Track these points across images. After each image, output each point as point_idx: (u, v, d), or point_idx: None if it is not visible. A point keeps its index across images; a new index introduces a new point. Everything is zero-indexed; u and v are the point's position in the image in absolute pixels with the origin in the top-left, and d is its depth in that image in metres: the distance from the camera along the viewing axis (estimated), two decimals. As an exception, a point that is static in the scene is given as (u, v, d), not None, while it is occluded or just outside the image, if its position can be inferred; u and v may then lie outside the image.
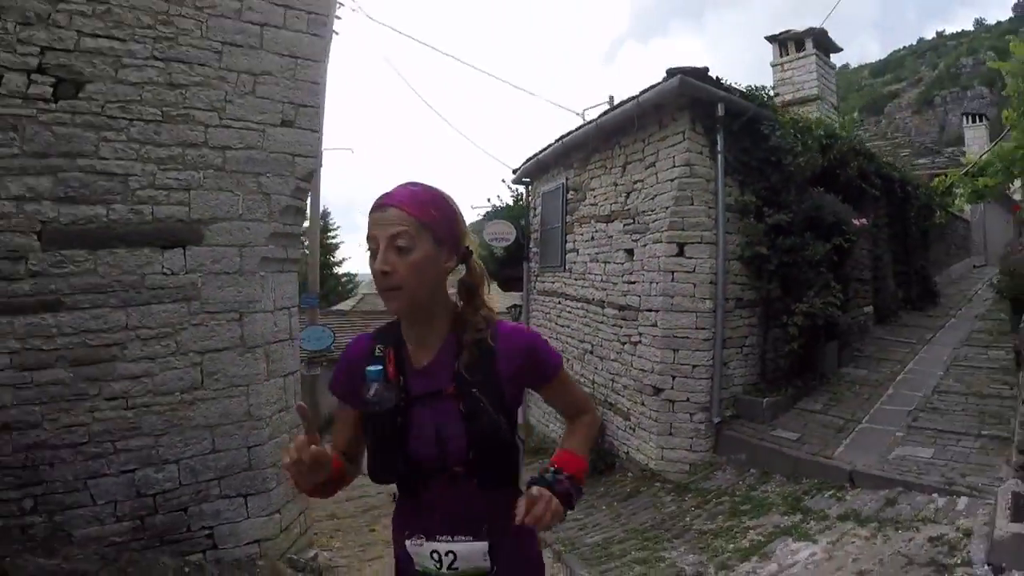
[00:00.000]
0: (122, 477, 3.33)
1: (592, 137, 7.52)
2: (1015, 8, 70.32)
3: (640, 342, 6.52)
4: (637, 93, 6.32)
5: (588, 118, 7.89)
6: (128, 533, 3.35)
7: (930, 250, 12.15)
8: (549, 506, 1.18)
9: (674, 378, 6.14)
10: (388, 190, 1.29)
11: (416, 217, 1.22)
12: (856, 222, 6.48)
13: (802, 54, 9.10)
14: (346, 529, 5.49)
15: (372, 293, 19.21)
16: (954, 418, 5.59)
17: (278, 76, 3.75)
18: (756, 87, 6.75)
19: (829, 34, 9.81)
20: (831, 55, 10.25)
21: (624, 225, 6.88)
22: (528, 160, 9.77)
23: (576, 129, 7.94)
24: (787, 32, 9.66)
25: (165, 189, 3.38)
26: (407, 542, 1.32)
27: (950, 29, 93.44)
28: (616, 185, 7.08)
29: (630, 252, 6.84)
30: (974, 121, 20.43)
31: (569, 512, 1.29)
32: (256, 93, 3.66)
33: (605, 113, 7.16)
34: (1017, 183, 12.72)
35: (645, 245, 6.44)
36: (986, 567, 2.91)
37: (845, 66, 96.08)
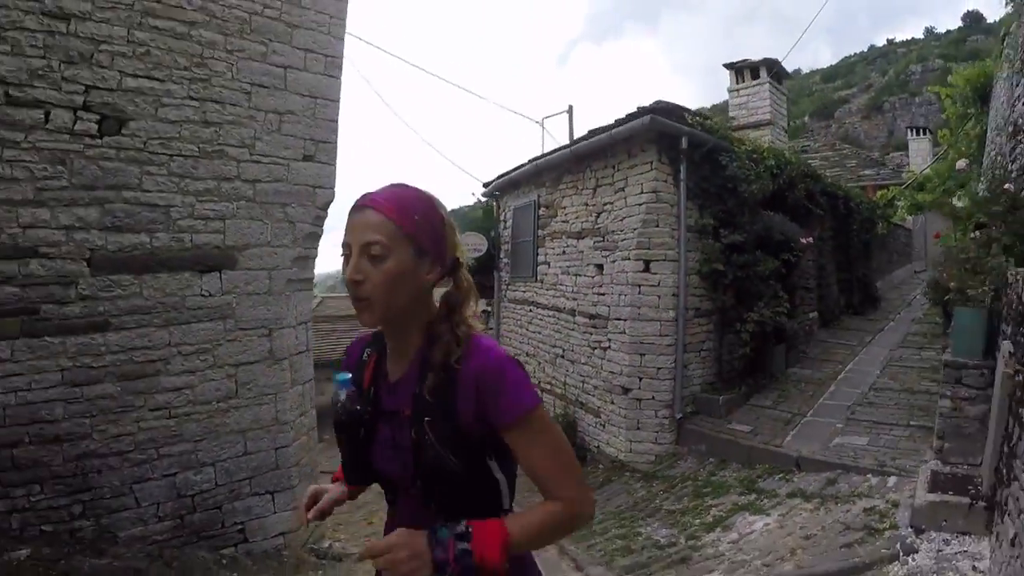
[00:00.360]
0: (164, 480, 3.74)
1: (565, 160, 8.19)
2: (964, 17, 71.52)
3: (610, 347, 7.25)
4: (610, 125, 7.08)
5: (548, 126, 8.65)
6: (169, 531, 3.76)
7: (872, 259, 13.33)
8: (398, 560, 1.03)
9: (641, 379, 6.91)
10: (370, 190, 1.20)
11: (395, 222, 1.13)
12: (803, 240, 7.44)
13: (756, 82, 10.01)
14: (346, 523, 5.90)
15: (332, 296, 19.38)
16: (887, 411, 6.48)
17: (300, 115, 4.24)
18: (709, 118, 7.59)
19: (782, 62, 10.83)
20: (782, 81, 11.30)
21: (594, 242, 7.58)
22: (500, 176, 10.42)
23: (549, 152, 8.67)
24: (744, 61, 10.53)
25: (203, 219, 3.83)
26: None
27: (900, 37, 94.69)
28: (587, 205, 7.75)
29: (600, 267, 7.53)
30: (918, 134, 21.89)
31: None
32: (281, 131, 4.14)
33: (578, 141, 7.84)
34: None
35: (614, 261, 7.17)
36: (909, 529, 3.66)
37: (797, 71, 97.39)
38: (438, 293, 1.25)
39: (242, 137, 3.98)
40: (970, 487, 3.85)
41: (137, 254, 3.65)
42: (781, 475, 5.57)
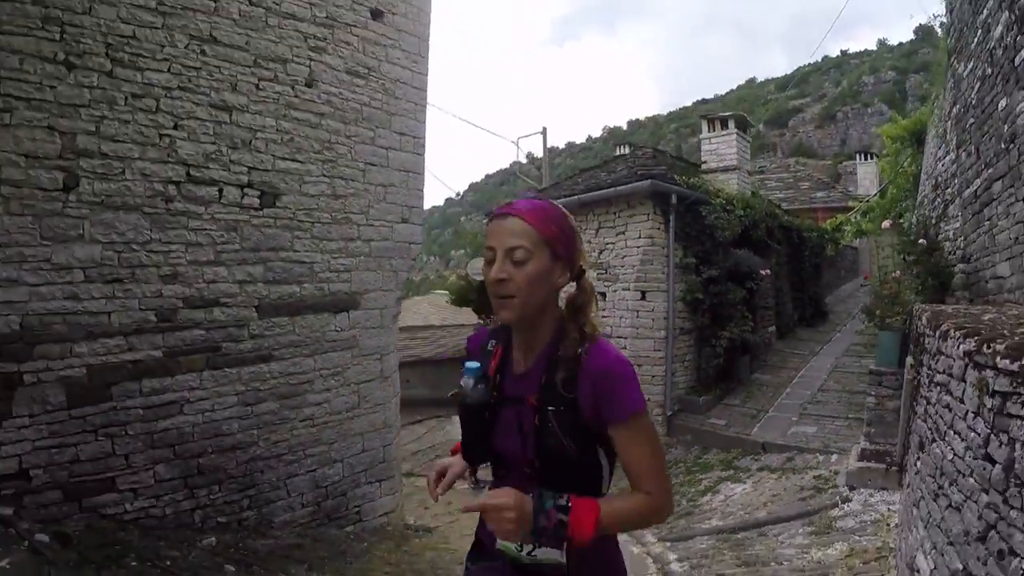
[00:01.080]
0: (307, 475, 5.00)
1: (571, 205, 10.04)
2: (916, 31, 73.12)
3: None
4: (613, 183, 8.92)
5: (522, 145, 10.34)
6: (309, 516, 5.02)
7: (822, 277, 15.49)
8: (504, 513, 1.20)
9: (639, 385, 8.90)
10: (508, 201, 1.39)
11: (536, 229, 1.30)
12: (763, 272, 9.36)
13: (725, 132, 11.78)
14: (430, 504, 7.04)
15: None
16: (831, 407, 8.37)
17: (399, 187, 5.62)
18: (694, 165, 9.41)
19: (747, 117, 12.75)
20: (747, 130, 13.19)
21: (598, 274, 9.26)
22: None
23: (566, 195, 10.31)
24: (715, 114, 12.39)
25: (336, 271, 5.14)
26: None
27: (854, 48, 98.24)
28: (590, 243, 9.40)
29: (603, 295, 9.20)
30: (866, 158, 24.18)
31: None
32: (386, 200, 5.52)
33: (587, 191, 9.52)
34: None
35: (616, 291, 8.91)
36: (845, 487, 5.37)
37: (752, 79, 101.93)
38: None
39: (360, 206, 5.32)
40: (888, 458, 5.60)
41: (291, 301, 4.96)
42: (751, 456, 7.33)
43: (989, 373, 1.96)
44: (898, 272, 7.50)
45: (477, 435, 1.42)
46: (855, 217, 13.72)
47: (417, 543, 5.47)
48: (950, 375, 2.66)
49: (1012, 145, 3.95)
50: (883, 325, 6.56)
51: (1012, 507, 1.71)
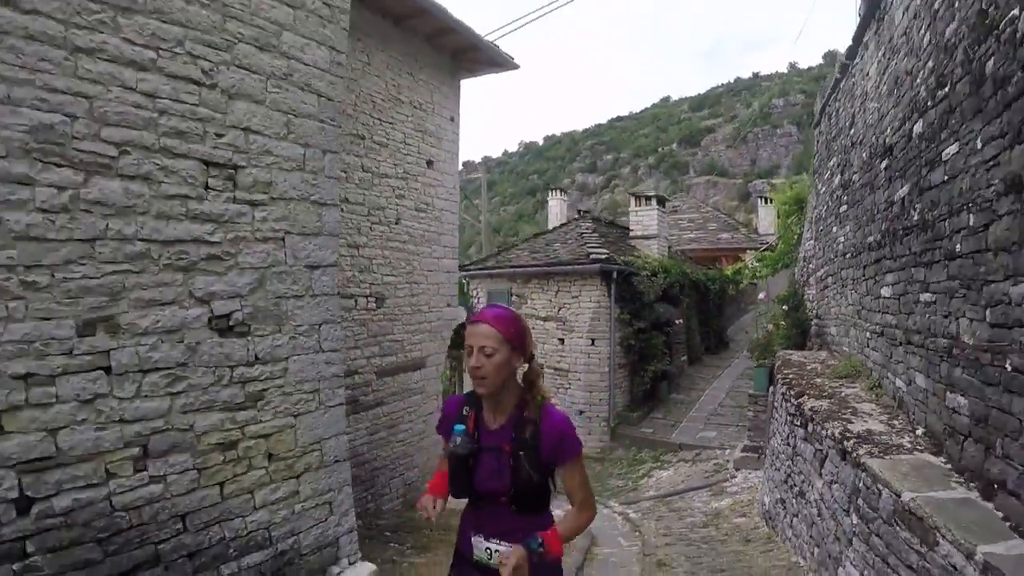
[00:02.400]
0: (399, 478, 8.03)
1: (535, 272, 13.79)
2: (824, 56, 77.50)
3: (570, 388, 12.67)
4: (570, 261, 12.73)
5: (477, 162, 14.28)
6: (400, 506, 7.98)
7: (724, 313, 19.79)
8: (516, 566, 1.94)
9: (590, 406, 12.37)
10: (480, 310, 2.26)
11: (499, 332, 2.09)
12: (677, 321, 13.67)
13: (648, 207, 15.71)
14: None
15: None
16: (727, 418, 12.39)
17: (445, 283, 8.72)
18: (628, 258, 13.62)
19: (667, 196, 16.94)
20: (665, 205, 17.26)
21: (557, 325, 12.99)
22: (475, 264, 15.86)
23: (527, 265, 13.97)
24: (641, 192, 16.44)
25: (414, 344, 8.21)
26: (472, 537, 2.20)
27: (765, 71, 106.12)
28: (551, 301, 13.08)
29: (562, 340, 12.96)
30: (767, 203, 27.36)
31: None
32: (439, 293, 8.65)
33: (551, 264, 13.30)
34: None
35: (572, 339, 12.60)
36: (733, 468, 9.11)
37: (667, 98, 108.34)
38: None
39: (425, 299, 8.45)
40: (759, 450, 9.67)
41: (392, 366, 8.14)
42: (672, 453, 11.07)
43: (790, 405, 5.88)
44: (771, 327, 11.78)
45: (464, 477, 2.13)
46: (752, 263, 18.30)
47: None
48: (775, 404, 6.64)
49: (836, 257, 7.83)
50: (758, 364, 10.72)
51: (795, 468, 5.56)
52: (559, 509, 2.23)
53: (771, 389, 8.53)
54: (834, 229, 7.89)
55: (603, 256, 12.74)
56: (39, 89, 2.59)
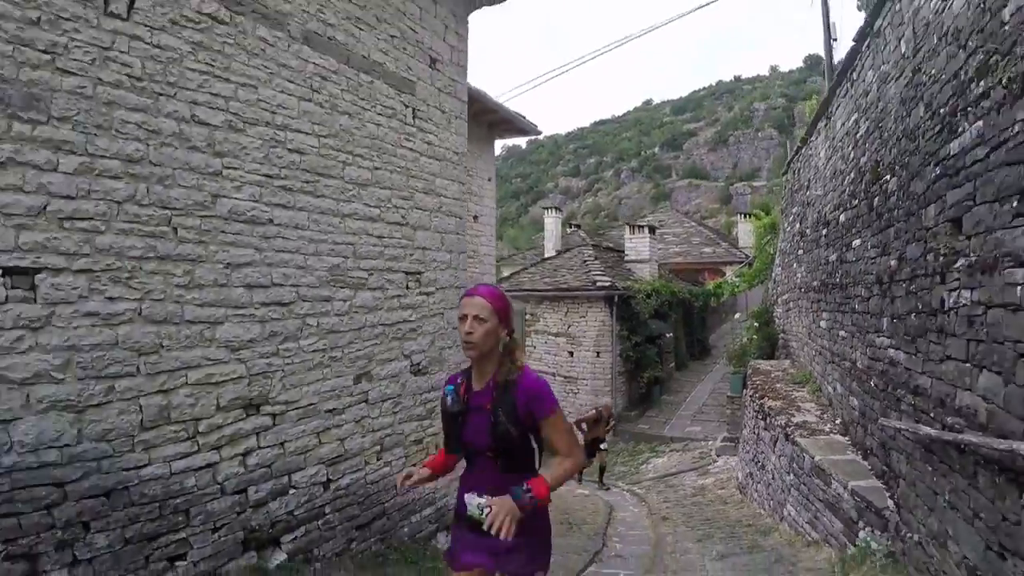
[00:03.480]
0: None
1: (546, 295, 16.21)
2: (805, 59, 79.02)
3: (579, 393, 15.17)
4: (578, 288, 15.07)
5: None
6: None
7: (707, 323, 22.49)
8: (505, 518, 2.08)
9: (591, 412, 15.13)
10: (474, 286, 2.51)
11: (491, 305, 2.37)
12: (667, 335, 16.10)
13: (641, 235, 18.18)
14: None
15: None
16: (710, 416, 14.87)
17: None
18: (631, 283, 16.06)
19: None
20: (656, 232, 19.82)
21: (566, 340, 15.38)
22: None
23: (542, 290, 16.23)
24: (636, 222, 19.25)
25: None
26: (465, 494, 2.41)
27: (746, 74, 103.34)
28: (561, 320, 15.44)
29: (571, 353, 15.33)
30: (746, 218, 29.18)
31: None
32: None
33: (561, 289, 15.64)
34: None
35: (580, 352, 14.99)
36: (715, 455, 11.53)
37: (649, 101, 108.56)
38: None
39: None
40: (735, 441, 12.01)
41: None
42: (664, 444, 13.43)
43: (755, 404, 8.24)
44: (746, 339, 14.25)
45: (455, 433, 2.46)
46: (732, 278, 20.86)
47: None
48: (747, 404, 9.03)
49: (795, 288, 10.09)
50: (735, 372, 13.18)
51: (759, 449, 7.90)
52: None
53: (744, 391, 10.92)
54: (794, 265, 10.28)
55: (607, 284, 15.21)
56: (330, 244, 4.74)
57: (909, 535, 3.88)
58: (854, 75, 5.98)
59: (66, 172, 3.05)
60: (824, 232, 7.44)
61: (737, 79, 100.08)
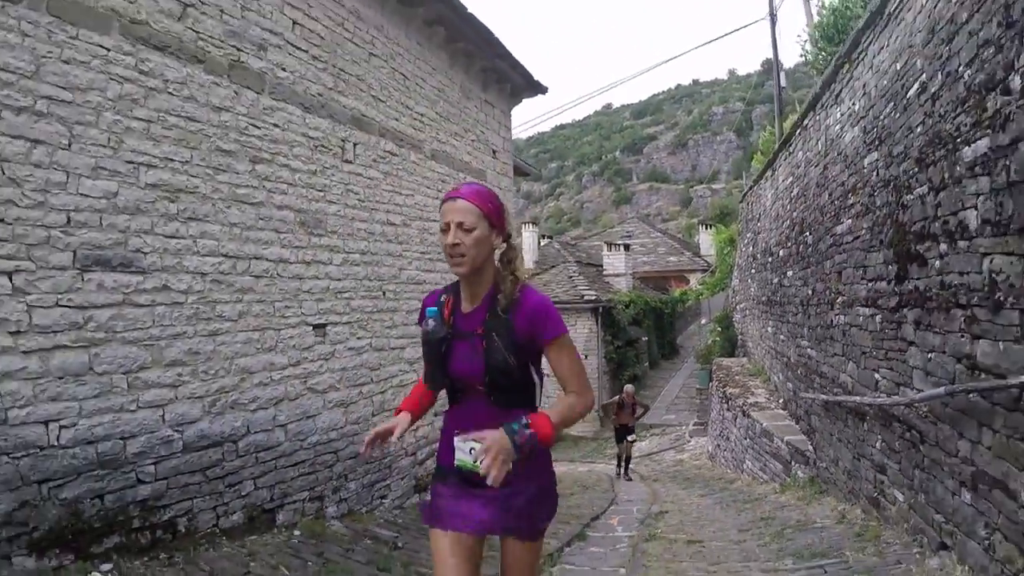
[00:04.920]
0: None
1: None
2: (763, 63, 79.51)
3: (570, 391, 18.12)
4: (569, 301, 17.72)
5: None
6: None
7: (675, 326, 25.65)
8: (496, 458, 1.72)
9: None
10: (456, 187, 2.02)
11: (477, 206, 1.94)
12: (643, 338, 18.93)
13: (617, 252, 20.98)
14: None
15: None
16: (681, 406, 17.51)
17: None
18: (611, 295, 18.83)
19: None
20: (630, 249, 22.87)
21: None
22: None
23: None
24: (612, 240, 22.08)
25: None
26: (454, 437, 2.00)
27: (704, 77, 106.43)
28: None
29: None
30: (707, 228, 32.30)
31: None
32: None
33: (554, 303, 18.73)
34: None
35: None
36: (688, 437, 14.35)
37: (608, 106, 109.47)
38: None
39: None
40: (704, 425, 14.77)
41: None
42: (645, 431, 15.84)
43: (720, 392, 10.98)
44: (710, 341, 17.16)
45: (438, 363, 2.05)
46: (696, 286, 24.05)
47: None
48: (713, 393, 11.81)
49: (750, 299, 13.09)
50: (702, 368, 16.03)
51: (723, 427, 10.66)
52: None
53: (711, 384, 13.77)
54: (748, 280, 13.11)
55: (593, 297, 17.88)
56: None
57: (820, 464, 6.50)
58: (791, 148, 8.52)
59: (336, 265, 5.40)
60: (769, 260, 10.15)
61: (695, 83, 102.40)
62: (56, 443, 3.25)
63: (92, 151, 3.46)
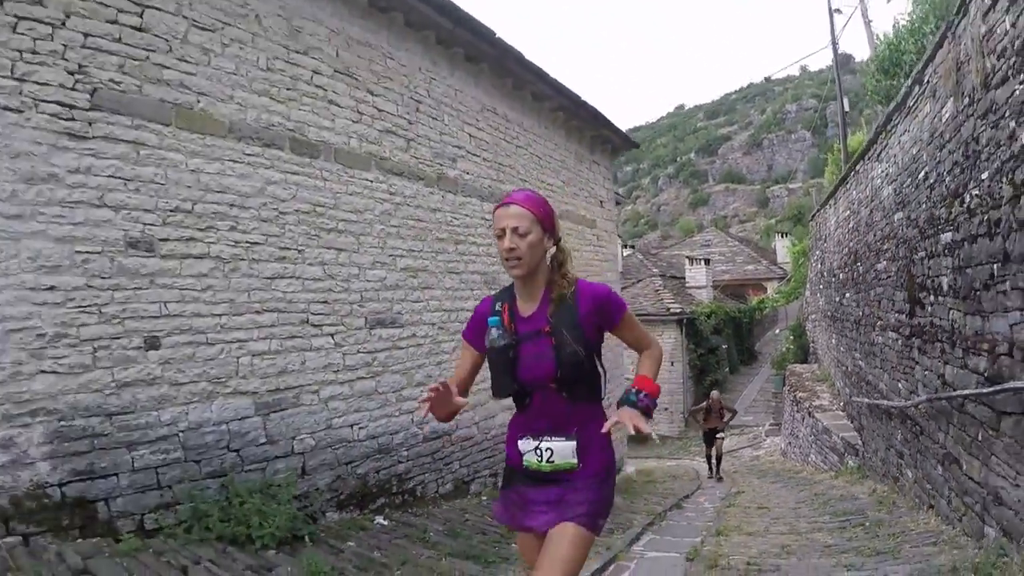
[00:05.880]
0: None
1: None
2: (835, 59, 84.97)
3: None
4: (657, 313, 19.51)
5: None
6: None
7: (753, 333, 26.84)
8: (634, 418, 1.94)
9: (672, 405, 18.75)
10: (509, 193, 2.13)
11: (532, 212, 2.04)
12: (723, 346, 20.54)
13: (699, 266, 22.68)
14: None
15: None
16: (759, 408, 18.78)
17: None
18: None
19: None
20: (710, 264, 24.39)
21: None
22: None
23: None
24: (695, 255, 23.64)
25: None
26: (519, 441, 2.10)
27: (777, 74, 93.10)
28: None
29: None
30: (783, 236, 34.57)
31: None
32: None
33: (642, 315, 19.67)
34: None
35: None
36: (764, 436, 15.80)
37: (681, 106, 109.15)
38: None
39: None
40: (778, 426, 16.03)
41: None
42: (725, 431, 18.25)
43: (791, 396, 12.64)
44: (785, 348, 18.68)
45: (506, 370, 2.08)
46: (772, 294, 25.47)
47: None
48: (786, 396, 13.51)
49: (818, 311, 14.44)
50: (777, 373, 17.58)
51: (794, 426, 12.24)
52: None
53: (784, 388, 15.34)
54: (817, 295, 14.61)
55: (678, 310, 19.54)
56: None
57: (866, 454, 8.13)
58: (848, 185, 9.68)
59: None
60: (833, 280, 11.66)
61: (768, 80, 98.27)
62: (357, 438, 5.23)
63: (370, 252, 5.48)
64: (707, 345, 20.01)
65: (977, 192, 4.06)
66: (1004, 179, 3.63)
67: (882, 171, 7.06)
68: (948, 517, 4.62)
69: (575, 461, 2.06)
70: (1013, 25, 3.52)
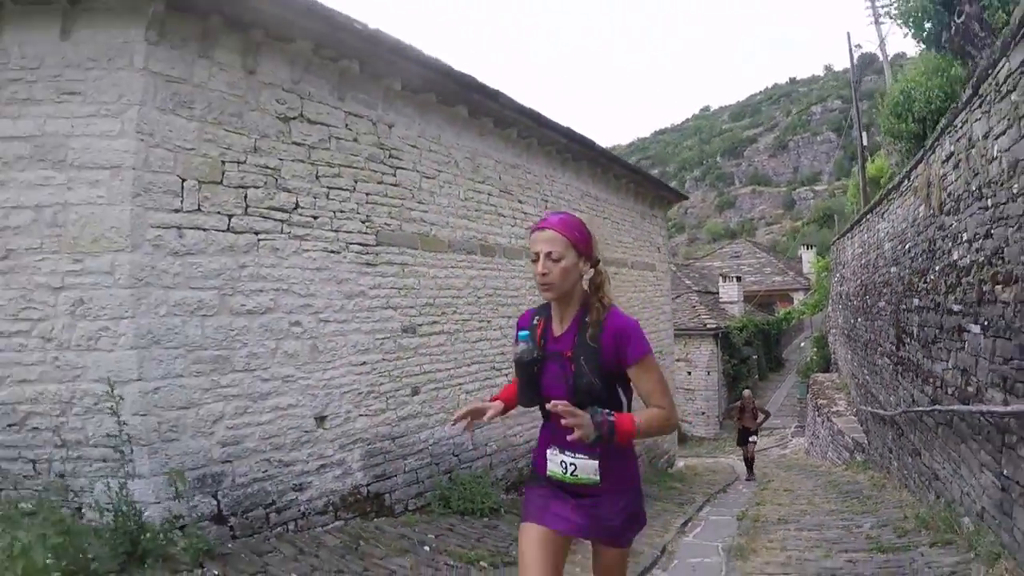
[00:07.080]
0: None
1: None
2: (860, 58, 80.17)
3: (695, 400, 21.59)
4: (695, 328, 21.88)
5: None
6: (648, 466, 17.85)
7: (780, 342, 28.91)
8: (576, 420, 1.96)
9: (708, 410, 21.01)
10: (544, 216, 2.20)
11: (565, 237, 2.09)
12: (753, 356, 22.91)
13: (731, 283, 25.10)
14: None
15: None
16: (785, 411, 20.65)
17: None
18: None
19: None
20: (741, 280, 26.66)
21: (685, 363, 21.39)
22: None
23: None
24: (727, 271, 25.99)
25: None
26: (547, 450, 2.20)
27: (801, 75, 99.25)
28: (681, 349, 21.39)
29: (689, 372, 21.33)
30: (808, 248, 35.90)
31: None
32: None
33: (681, 329, 22.30)
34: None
35: (695, 371, 21.14)
36: (791, 437, 17.88)
37: (706, 108, 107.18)
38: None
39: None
40: (802, 428, 18.10)
41: None
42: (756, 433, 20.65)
43: (813, 402, 14.70)
44: (809, 358, 21.12)
45: (529, 383, 2.18)
46: (798, 305, 28.00)
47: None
48: (809, 402, 15.85)
49: (838, 327, 16.73)
50: (801, 381, 19.83)
51: (814, 428, 14.46)
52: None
53: (807, 395, 17.60)
54: (837, 312, 16.90)
55: (713, 325, 21.74)
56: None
57: (870, 451, 10.46)
58: (862, 225, 11.61)
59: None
60: (849, 303, 13.85)
61: (792, 81, 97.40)
62: (520, 443, 7.23)
63: (467, 318, 6.98)
64: (739, 356, 22.41)
65: (932, 278, 5.96)
66: (943, 279, 5.54)
67: (884, 228, 8.86)
68: (914, 492, 6.65)
69: (597, 478, 2.14)
70: (957, 179, 5.19)
